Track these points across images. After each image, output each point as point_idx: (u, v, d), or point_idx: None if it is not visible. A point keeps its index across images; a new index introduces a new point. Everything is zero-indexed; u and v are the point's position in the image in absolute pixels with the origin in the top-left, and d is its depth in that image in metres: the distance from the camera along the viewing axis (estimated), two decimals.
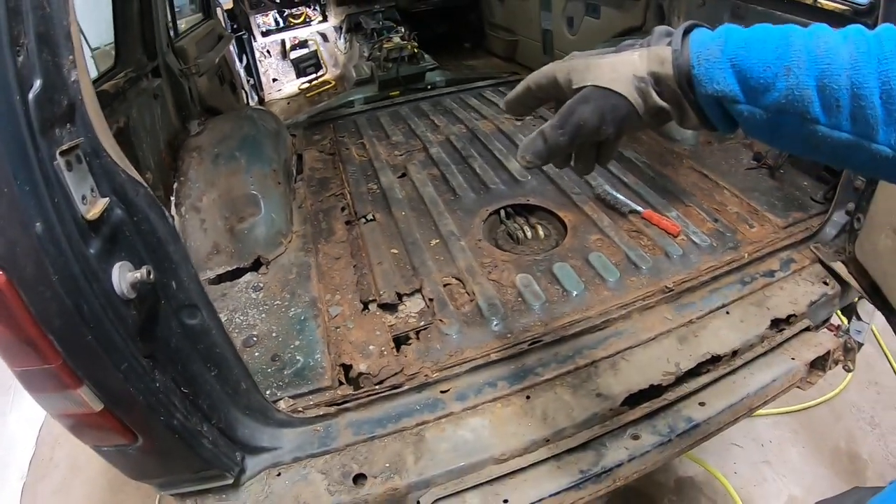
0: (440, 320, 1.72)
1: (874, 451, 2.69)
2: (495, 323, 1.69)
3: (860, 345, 1.83)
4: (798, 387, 1.74)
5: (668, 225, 2.00)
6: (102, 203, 0.94)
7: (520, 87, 0.86)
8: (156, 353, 1.09)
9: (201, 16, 4.10)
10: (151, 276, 1.01)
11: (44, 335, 0.89)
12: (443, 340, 1.66)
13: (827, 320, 1.85)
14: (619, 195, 2.18)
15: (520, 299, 1.78)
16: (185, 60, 2.87)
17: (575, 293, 1.78)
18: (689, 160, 2.47)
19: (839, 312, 1.93)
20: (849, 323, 1.92)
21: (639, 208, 2.11)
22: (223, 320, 1.72)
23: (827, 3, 1.93)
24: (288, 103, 5.17)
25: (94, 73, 2.37)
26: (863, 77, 0.58)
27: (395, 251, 2.06)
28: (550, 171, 2.46)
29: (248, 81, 5.05)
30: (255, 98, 5.20)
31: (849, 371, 1.81)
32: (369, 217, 2.28)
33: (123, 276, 0.97)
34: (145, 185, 1.03)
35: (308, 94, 5.25)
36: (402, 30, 4.76)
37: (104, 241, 0.95)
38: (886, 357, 2.99)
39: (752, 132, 0.69)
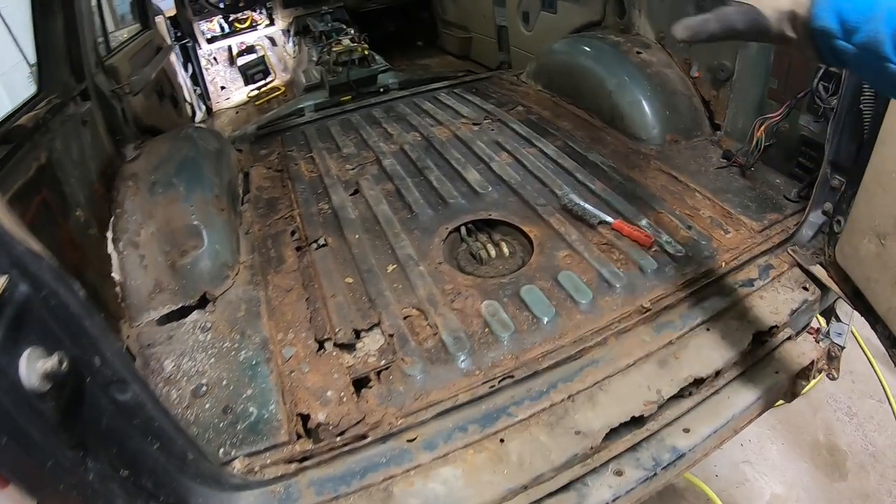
0: (402, 359, 1.59)
1: (853, 442, 2.71)
2: (462, 359, 1.58)
3: (842, 348, 1.77)
4: (783, 399, 1.68)
5: (640, 236, 1.90)
6: (1, 282, 0.81)
7: None
8: (86, 439, 0.97)
9: (139, 26, 3.90)
10: (64, 366, 0.87)
11: None
12: (406, 382, 1.54)
13: (807, 325, 1.79)
14: (586, 205, 2.07)
15: (487, 330, 1.66)
16: (117, 79, 2.68)
17: (546, 319, 1.67)
18: (657, 161, 2.40)
19: (818, 316, 1.87)
20: (828, 325, 1.86)
21: (608, 218, 2.01)
22: (170, 367, 1.62)
23: None
24: (237, 112, 5.00)
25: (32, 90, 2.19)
26: None
27: (350, 280, 1.92)
28: (512, 181, 2.37)
29: (194, 91, 4.85)
30: (203, 108, 5.00)
31: (833, 379, 1.75)
32: (321, 242, 2.13)
33: (33, 367, 0.84)
34: (47, 257, 0.90)
35: (257, 102, 5.09)
36: (352, 31, 4.65)
37: (7, 328, 0.82)
38: (860, 345, 2.97)
39: (848, 65, 0.89)
